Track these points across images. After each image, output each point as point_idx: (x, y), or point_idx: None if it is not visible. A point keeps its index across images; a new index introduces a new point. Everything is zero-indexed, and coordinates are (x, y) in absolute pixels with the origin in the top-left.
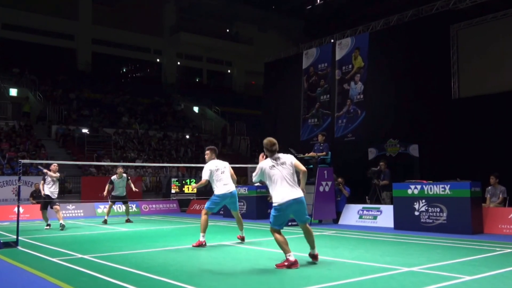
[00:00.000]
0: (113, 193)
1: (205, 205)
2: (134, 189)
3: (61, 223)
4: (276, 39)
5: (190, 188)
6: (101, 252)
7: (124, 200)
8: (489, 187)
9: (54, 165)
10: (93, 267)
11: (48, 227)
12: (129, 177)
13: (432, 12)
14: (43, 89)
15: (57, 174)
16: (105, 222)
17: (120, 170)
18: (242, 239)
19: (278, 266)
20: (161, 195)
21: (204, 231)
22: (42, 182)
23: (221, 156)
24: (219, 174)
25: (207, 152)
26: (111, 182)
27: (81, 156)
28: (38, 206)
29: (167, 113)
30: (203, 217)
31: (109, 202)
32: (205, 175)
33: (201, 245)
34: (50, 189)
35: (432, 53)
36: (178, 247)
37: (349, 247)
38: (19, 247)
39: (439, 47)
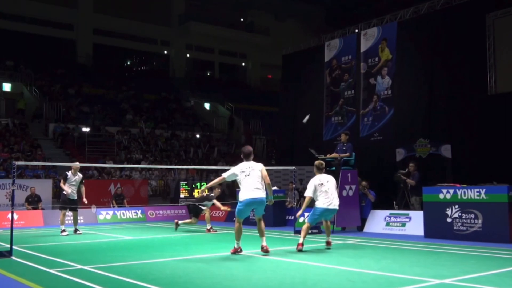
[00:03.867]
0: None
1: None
2: None
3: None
4: (295, 29)
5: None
6: (103, 263)
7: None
8: None
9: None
10: (94, 279)
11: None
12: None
13: None
14: (40, 84)
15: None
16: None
17: None
18: (265, 250)
19: None
20: (169, 200)
21: (238, 239)
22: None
23: (232, 157)
24: (243, 177)
25: None
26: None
27: (81, 157)
28: (34, 212)
29: (176, 110)
30: (235, 225)
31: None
32: (226, 173)
33: (236, 252)
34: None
35: (466, 44)
36: (188, 257)
37: (375, 257)
38: (13, 257)
39: (474, 38)
